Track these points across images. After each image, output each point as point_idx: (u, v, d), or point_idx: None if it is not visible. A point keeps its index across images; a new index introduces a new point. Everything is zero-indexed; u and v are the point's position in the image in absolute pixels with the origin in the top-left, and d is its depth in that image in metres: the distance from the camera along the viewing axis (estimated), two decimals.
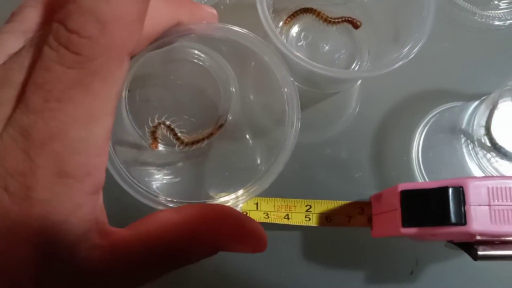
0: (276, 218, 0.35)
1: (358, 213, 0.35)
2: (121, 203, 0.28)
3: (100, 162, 0.18)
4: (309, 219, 0.35)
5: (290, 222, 0.35)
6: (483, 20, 0.41)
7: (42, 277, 0.17)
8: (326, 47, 0.40)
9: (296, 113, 0.29)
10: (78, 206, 0.17)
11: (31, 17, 0.20)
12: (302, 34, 0.41)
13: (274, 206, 0.35)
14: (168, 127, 0.34)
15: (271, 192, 0.36)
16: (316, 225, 0.35)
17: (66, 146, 0.17)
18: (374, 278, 0.36)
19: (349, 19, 0.40)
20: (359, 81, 0.41)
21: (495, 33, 0.42)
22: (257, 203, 0.35)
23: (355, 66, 0.40)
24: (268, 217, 0.35)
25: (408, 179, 0.39)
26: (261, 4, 0.32)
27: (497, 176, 0.36)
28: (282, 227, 0.35)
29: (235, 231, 0.22)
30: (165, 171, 0.35)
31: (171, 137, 0.34)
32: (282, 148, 0.29)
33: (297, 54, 0.31)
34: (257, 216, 0.35)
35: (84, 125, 0.17)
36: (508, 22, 0.41)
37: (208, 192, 0.34)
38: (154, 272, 0.20)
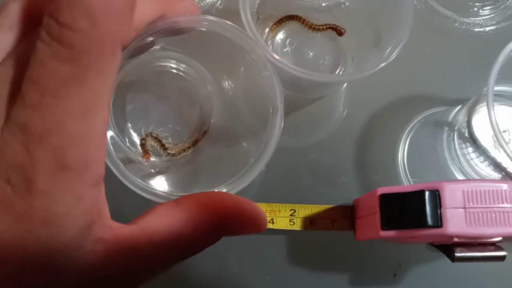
0: None
1: (342, 216, 0.35)
2: (116, 201, 0.28)
3: (98, 154, 0.18)
4: (294, 223, 0.35)
5: (274, 227, 0.35)
6: (464, 27, 0.42)
7: (49, 272, 0.18)
8: (311, 53, 0.41)
9: (279, 97, 0.28)
10: (79, 198, 0.18)
11: (16, 11, 0.20)
12: (288, 40, 0.41)
13: None
14: (155, 138, 0.34)
15: (256, 197, 0.37)
16: (300, 229, 0.35)
17: (63, 139, 0.17)
18: (357, 281, 0.37)
19: (333, 26, 0.40)
20: (344, 86, 0.42)
21: (476, 39, 0.43)
22: None
23: (339, 71, 0.41)
24: None
25: (393, 183, 0.39)
26: (244, 11, 0.33)
27: (472, 180, 0.36)
28: (267, 231, 0.35)
29: (236, 214, 0.22)
30: (158, 178, 0.36)
31: (158, 147, 0.35)
32: (269, 135, 0.28)
33: (278, 57, 0.32)
34: None
35: (80, 119, 0.17)
36: (488, 28, 0.42)
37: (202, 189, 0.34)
38: (159, 266, 0.20)
